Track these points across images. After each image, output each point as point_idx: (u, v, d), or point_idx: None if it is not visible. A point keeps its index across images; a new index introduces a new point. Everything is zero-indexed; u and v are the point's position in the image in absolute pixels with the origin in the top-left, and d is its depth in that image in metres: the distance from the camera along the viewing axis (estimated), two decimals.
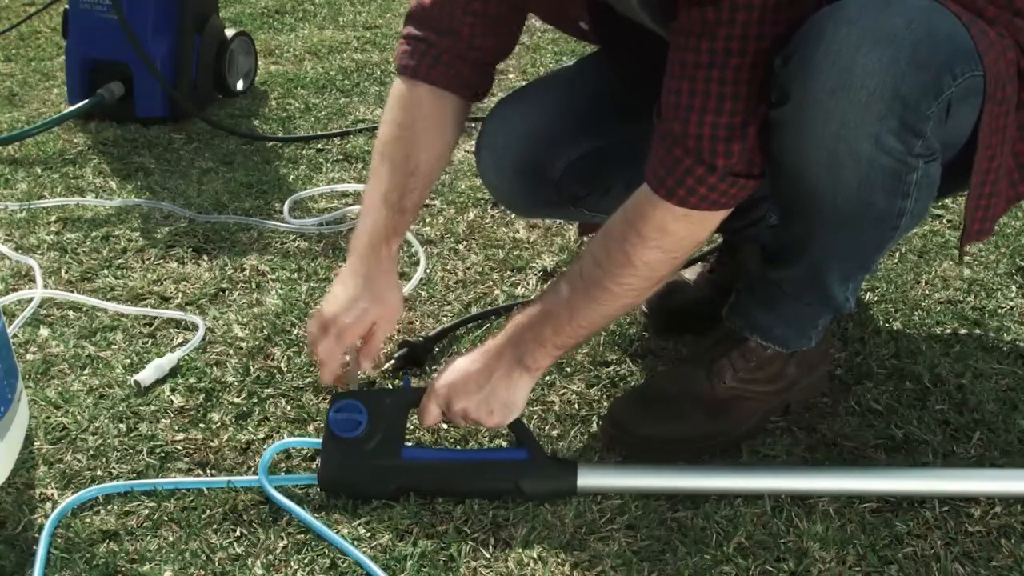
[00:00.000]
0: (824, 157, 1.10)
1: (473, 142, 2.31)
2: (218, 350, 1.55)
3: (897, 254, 1.77)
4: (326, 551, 1.16)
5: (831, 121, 1.07)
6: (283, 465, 1.31)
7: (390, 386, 1.43)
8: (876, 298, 1.65)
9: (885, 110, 1.05)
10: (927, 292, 1.67)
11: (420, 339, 1.52)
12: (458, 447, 1.34)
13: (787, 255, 1.26)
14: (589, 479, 1.23)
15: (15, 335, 1.59)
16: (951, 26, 1.08)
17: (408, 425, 1.31)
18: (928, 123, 1.08)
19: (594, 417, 1.39)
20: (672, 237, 1.17)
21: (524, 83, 2.71)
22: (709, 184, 1.12)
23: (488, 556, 1.16)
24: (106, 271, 1.79)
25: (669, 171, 1.13)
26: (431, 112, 1.35)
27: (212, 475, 1.29)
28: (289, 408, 1.42)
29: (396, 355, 1.49)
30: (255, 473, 1.27)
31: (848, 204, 1.14)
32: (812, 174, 1.12)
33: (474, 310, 1.65)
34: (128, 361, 1.53)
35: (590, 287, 1.21)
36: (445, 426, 1.36)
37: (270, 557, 1.16)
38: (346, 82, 2.77)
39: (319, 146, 2.35)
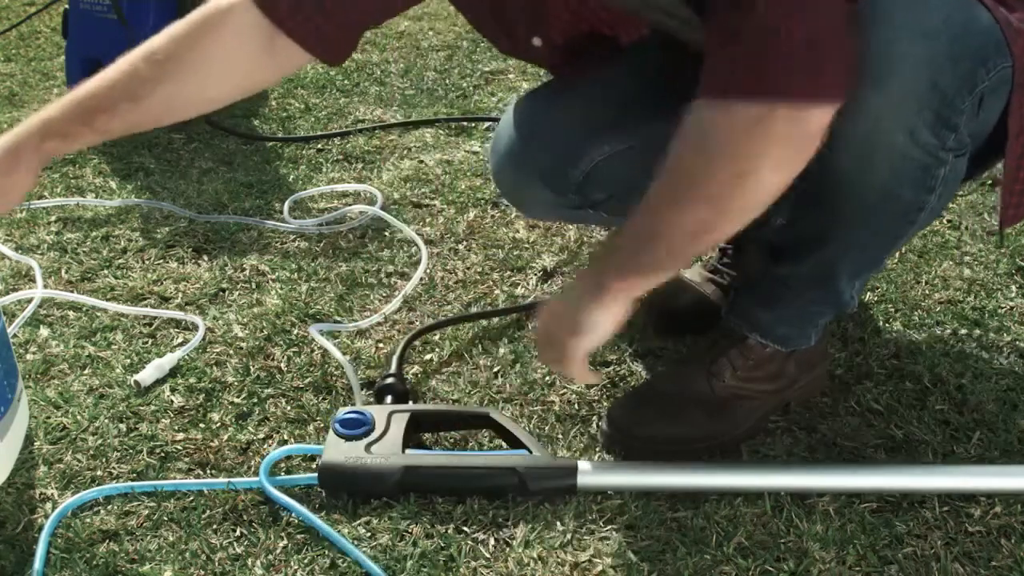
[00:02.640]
0: (857, 149, 1.09)
1: (472, 142, 2.32)
2: (218, 350, 1.55)
3: (897, 254, 1.77)
4: (326, 551, 1.17)
5: (867, 114, 1.06)
6: (283, 465, 1.31)
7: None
8: (876, 298, 1.65)
9: (922, 104, 1.05)
10: (927, 292, 1.67)
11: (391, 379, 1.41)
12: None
13: (798, 250, 1.25)
14: (589, 478, 1.23)
15: (15, 335, 1.59)
16: (983, 18, 1.08)
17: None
18: (962, 116, 1.08)
19: (594, 417, 1.39)
20: (768, 151, 1.02)
21: (524, 84, 2.73)
22: (812, 69, 1.00)
23: (488, 556, 1.16)
24: (106, 271, 1.79)
25: (755, 67, 1.00)
26: (242, 53, 1.24)
27: (212, 475, 1.29)
28: (289, 408, 1.42)
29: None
30: (255, 473, 1.27)
31: (875, 197, 1.14)
32: (842, 166, 1.12)
33: (474, 310, 1.65)
34: (128, 361, 1.53)
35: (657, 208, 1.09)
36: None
37: (270, 557, 1.16)
38: (346, 82, 2.77)
39: (319, 146, 2.35)
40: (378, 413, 1.30)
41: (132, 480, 1.28)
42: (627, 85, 1.41)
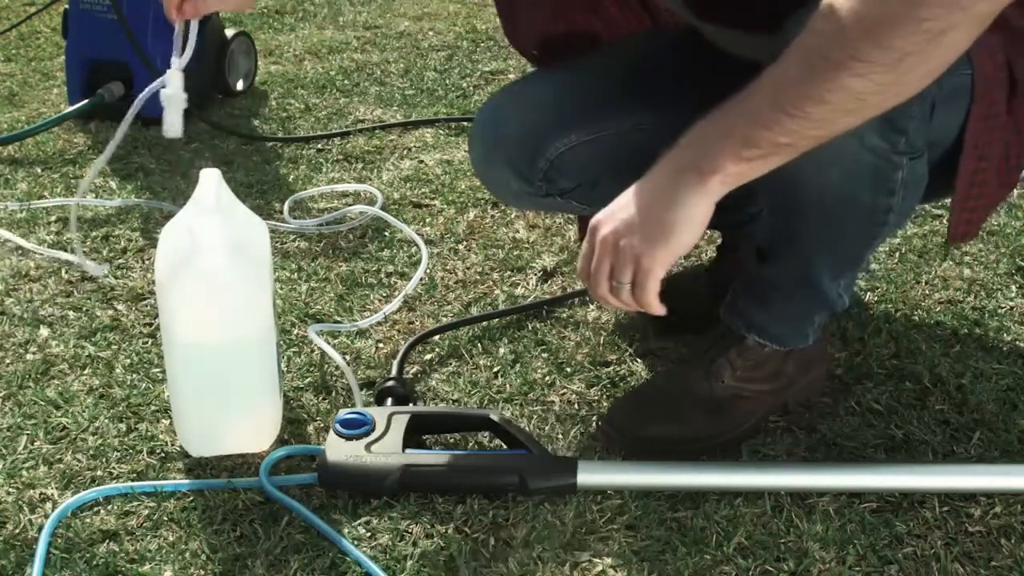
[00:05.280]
0: (809, 155, 1.10)
1: None
2: None
3: (897, 254, 1.78)
4: (326, 551, 1.16)
5: None
6: (283, 465, 1.31)
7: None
8: (876, 298, 1.65)
9: None
10: (927, 292, 1.67)
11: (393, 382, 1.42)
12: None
13: (777, 252, 1.26)
14: (589, 477, 1.23)
15: (15, 335, 1.59)
16: None
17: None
18: (911, 121, 1.08)
19: (594, 417, 1.39)
20: None
21: None
22: None
23: (488, 556, 1.16)
24: (106, 271, 1.79)
25: None
26: None
27: (212, 475, 1.29)
28: (289, 408, 1.42)
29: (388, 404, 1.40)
30: (255, 473, 1.27)
31: (834, 201, 1.14)
32: (798, 172, 1.12)
33: (474, 310, 1.65)
34: (128, 361, 1.53)
35: (810, 58, 0.92)
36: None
37: (270, 557, 1.16)
38: (346, 82, 2.77)
39: (319, 146, 2.35)
40: (378, 414, 1.30)
41: (132, 480, 1.28)
42: (596, 76, 1.42)
